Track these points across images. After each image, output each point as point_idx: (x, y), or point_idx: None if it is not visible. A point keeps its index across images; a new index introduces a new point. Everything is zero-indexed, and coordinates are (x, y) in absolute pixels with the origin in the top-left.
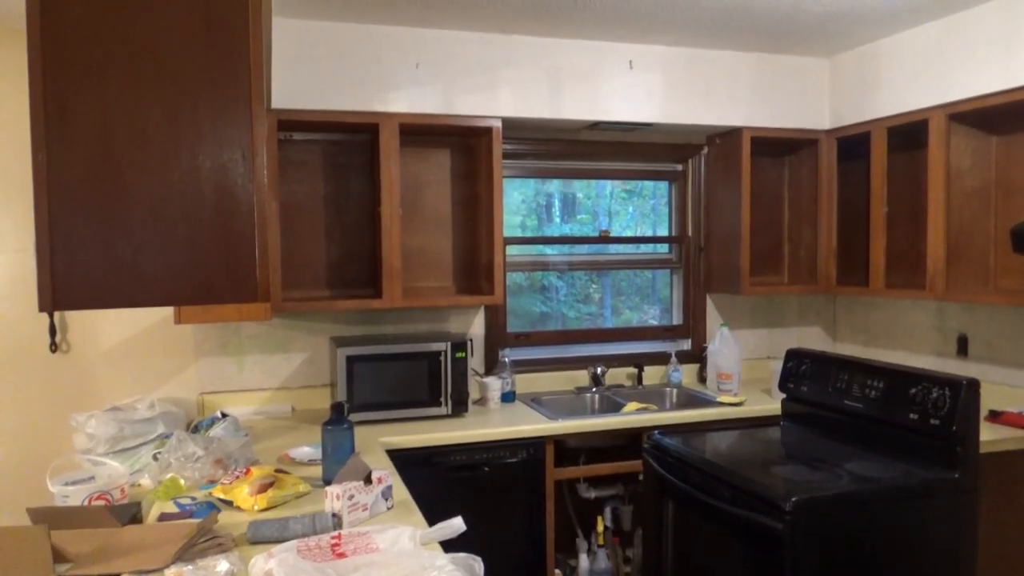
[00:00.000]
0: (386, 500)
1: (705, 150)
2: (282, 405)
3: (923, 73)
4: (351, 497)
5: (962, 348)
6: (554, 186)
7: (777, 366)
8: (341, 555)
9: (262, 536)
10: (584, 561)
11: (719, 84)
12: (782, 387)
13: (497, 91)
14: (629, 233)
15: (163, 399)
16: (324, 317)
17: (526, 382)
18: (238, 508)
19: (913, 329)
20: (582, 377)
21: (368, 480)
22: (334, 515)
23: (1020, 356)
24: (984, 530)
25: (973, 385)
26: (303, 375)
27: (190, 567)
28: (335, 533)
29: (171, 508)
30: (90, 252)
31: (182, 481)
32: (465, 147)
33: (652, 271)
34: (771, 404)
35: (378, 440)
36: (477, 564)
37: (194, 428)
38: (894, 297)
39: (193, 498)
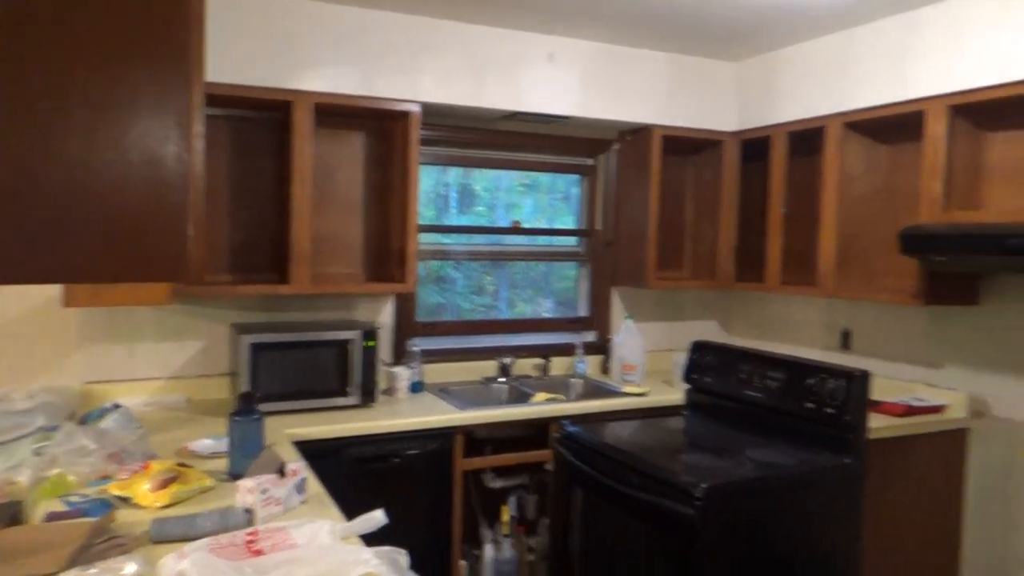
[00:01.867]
0: (300, 494)
1: (616, 146)
2: (176, 395)
3: (823, 82)
4: (264, 491)
5: (845, 342)
6: (452, 177)
7: (679, 358)
8: (258, 552)
9: (167, 535)
10: (489, 551)
11: (634, 81)
12: (687, 378)
13: (418, 75)
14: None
15: (42, 388)
16: (223, 303)
17: (434, 372)
18: (137, 505)
19: (802, 324)
20: (489, 367)
21: (282, 473)
22: (246, 510)
23: (897, 350)
24: (865, 511)
25: (865, 376)
26: (200, 364)
27: (94, 570)
28: (250, 530)
29: (59, 507)
30: None
31: (71, 477)
32: (380, 131)
33: (547, 264)
34: (672, 394)
35: (284, 431)
36: (402, 557)
37: (82, 420)
38: (788, 294)
39: (84, 495)
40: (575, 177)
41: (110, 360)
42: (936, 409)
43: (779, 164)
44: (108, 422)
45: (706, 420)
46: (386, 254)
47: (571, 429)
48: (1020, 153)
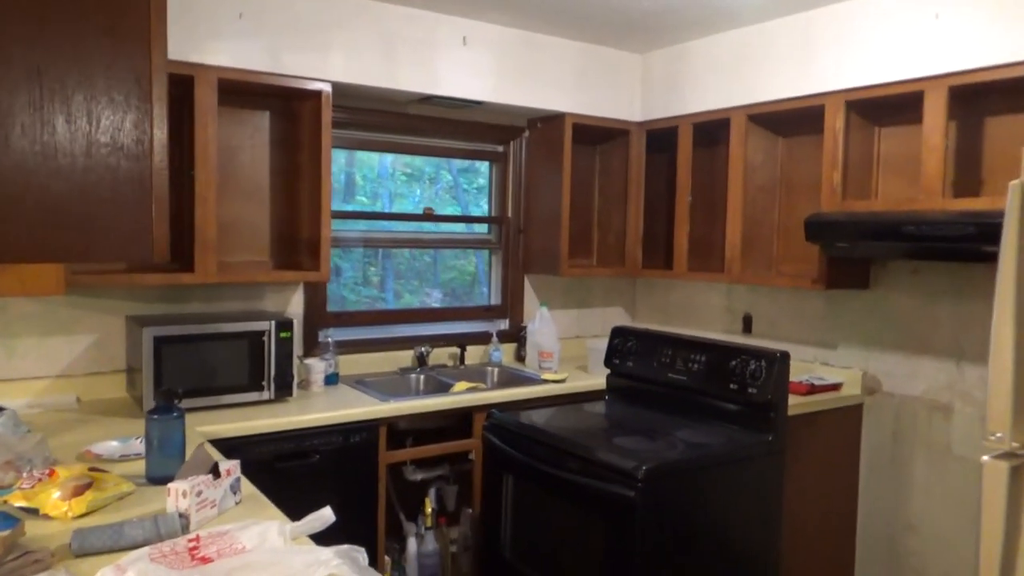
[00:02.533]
0: (235, 494)
1: (526, 133)
2: (65, 395)
3: (728, 76)
4: (199, 493)
5: (747, 326)
6: (336, 165)
7: (593, 343)
8: (205, 560)
9: (92, 547)
10: (412, 544)
11: (547, 69)
12: (608, 363)
13: (328, 53)
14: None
15: None
16: (117, 294)
17: (348, 364)
18: (47, 516)
19: (705, 309)
20: (403, 358)
21: (216, 473)
22: (181, 515)
23: (795, 332)
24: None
25: (785, 357)
26: (91, 360)
27: None
28: (191, 535)
29: None
30: None
31: None
32: (287, 111)
33: (432, 254)
34: (590, 380)
35: (195, 429)
36: (361, 555)
37: None
38: (695, 280)
39: None
40: (462, 167)
41: None
42: (834, 387)
43: (685, 154)
44: None
45: (629, 404)
46: (294, 241)
47: (501, 417)
48: (905, 148)
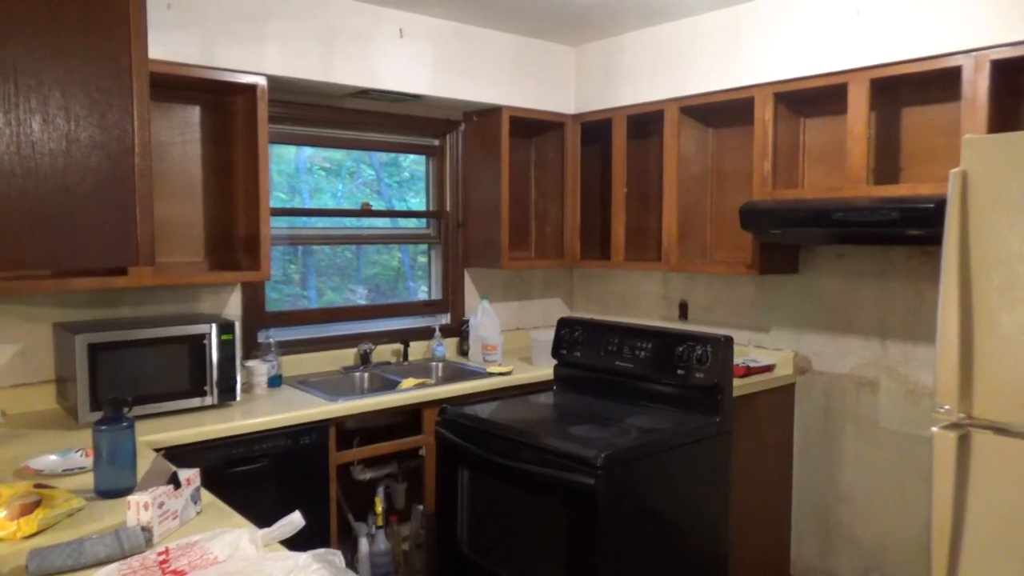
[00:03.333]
0: (195, 504)
1: (462, 126)
2: None
3: (660, 68)
4: (161, 505)
5: (683, 312)
6: None
7: (538, 335)
8: (177, 573)
9: (52, 567)
10: (364, 545)
11: (483, 62)
12: (555, 353)
13: (263, 46)
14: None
15: None
16: (41, 301)
17: (289, 364)
18: None
19: (642, 297)
20: (346, 356)
21: (176, 483)
22: (144, 528)
23: (730, 317)
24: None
25: (729, 342)
26: (15, 371)
27: None
28: (159, 548)
29: None
30: None
31: None
32: (218, 105)
33: (354, 250)
34: (536, 371)
35: (139, 439)
36: (337, 558)
37: None
38: (633, 269)
39: None
40: (384, 161)
41: None
42: (768, 368)
43: (620, 146)
44: None
45: (578, 393)
46: (231, 240)
47: (455, 411)
48: (828, 137)
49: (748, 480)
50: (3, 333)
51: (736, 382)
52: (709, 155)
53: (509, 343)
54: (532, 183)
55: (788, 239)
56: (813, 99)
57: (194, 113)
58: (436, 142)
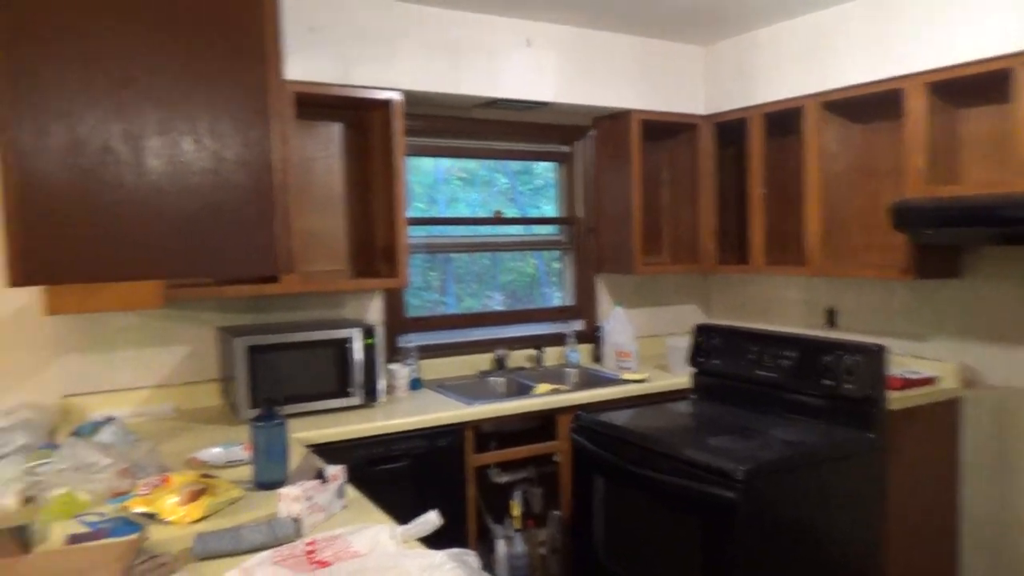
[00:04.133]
0: (340, 499)
1: (592, 132)
2: (164, 405)
3: (799, 63)
4: (310, 498)
5: (831, 320)
6: None
7: (674, 342)
8: (322, 563)
9: (213, 550)
10: (501, 547)
11: (610, 66)
12: (692, 361)
13: (395, 62)
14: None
15: (18, 406)
16: (207, 306)
17: (428, 368)
18: (164, 521)
19: (784, 304)
20: (483, 361)
21: (323, 478)
22: (294, 520)
23: (882, 325)
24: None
25: (881, 351)
26: (186, 370)
27: None
28: (308, 540)
29: (78, 528)
30: (71, 225)
31: (82, 496)
32: (357, 121)
33: (491, 257)
34: (672, 379)
35: (291, 436)
36: (472, 559)
37: (73, 435)
38: (773, 274)
39: (102, 514)
40: (517, 169)
41: (88, 371)
42: (929, 381)
43: (757, 145)
44: (105, 436)
45: (717, 403)
46: (370, 249)
47: (590, 418)
48: (990, 128)
49: (907, 499)
50: (176, 336)
51: (894, 394)
52: (854, 151)
53: (643, 350)
54: (664, 187)
55: (945, 239)
56: (972, 88)
57: (336, 130)
58: (565, 148)
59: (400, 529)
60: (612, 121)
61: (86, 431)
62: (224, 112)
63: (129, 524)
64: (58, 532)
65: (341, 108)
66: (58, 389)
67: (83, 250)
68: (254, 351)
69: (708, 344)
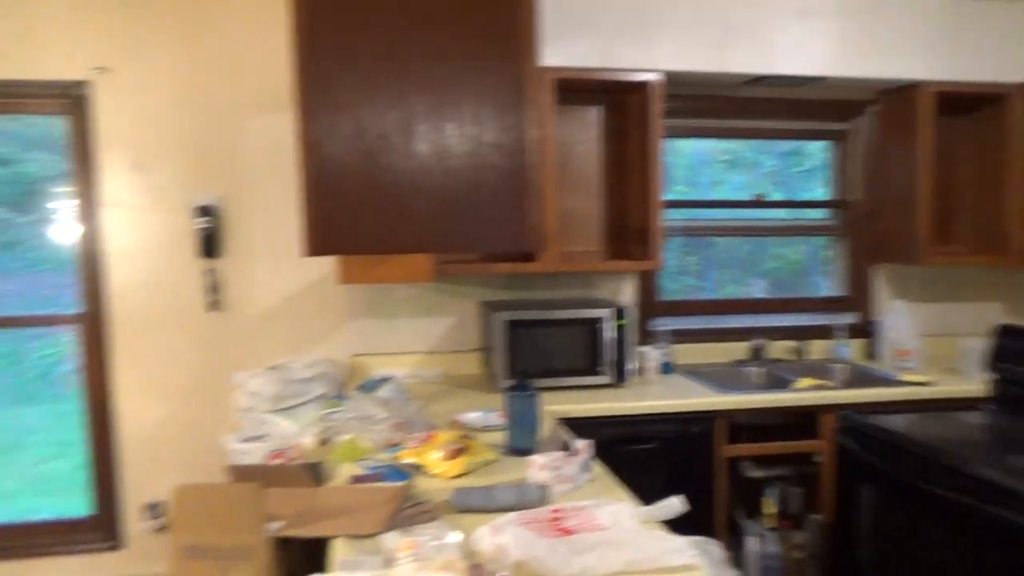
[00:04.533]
0: (586, 472)
1: (872, 107)
2: (433, 369)
3: None
4: (556, 468)
5: None
6: None
7: (970, 343)
8: (567, 531)
9: (468, 505)
10: (752, 544)
11: (897, 32)
12: (991, 367)
13: (657, 43)
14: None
15: (318, 360)
16: (471, 281)
17: (680, 353)
18: (428, 474)
19: None
20: (738, 350)
21: (571, 450)
22: (540, 487)
23: None
24: None
25: None
26: (452, 340)
27: (426, 537)
28: (554, 507)
29: (358, 471)
30: (354, 203)
31: (363, 443)
32: (615, 104)
33: (755, 242)
34: (960, 384)
35: (542, 407)
36: (716, 549)
37: (359, 390)
38: None
39: (379, 461)
40: (786, 150)
41: (373, 334)
42: None
43: None
44: (384, 392)
45: (1018, 416)
46: (625, 231)
47: (857, 419)
48: None
49: None
50: (444, 308)
51: None
52: None
53: (927, 350)
54: (961, 167)
55: None
56: None
57: (594, 113)
58: (841, 126)
59: (644, 509)
60: (898, 94)
61: (369, 387)
62: (485, 99)
63: (399, 472)
64: (344, 472)
65: (600, 92)
66: (348, 349)
67: (363, 225)
68: (512, 325)
69: (1012, 348)
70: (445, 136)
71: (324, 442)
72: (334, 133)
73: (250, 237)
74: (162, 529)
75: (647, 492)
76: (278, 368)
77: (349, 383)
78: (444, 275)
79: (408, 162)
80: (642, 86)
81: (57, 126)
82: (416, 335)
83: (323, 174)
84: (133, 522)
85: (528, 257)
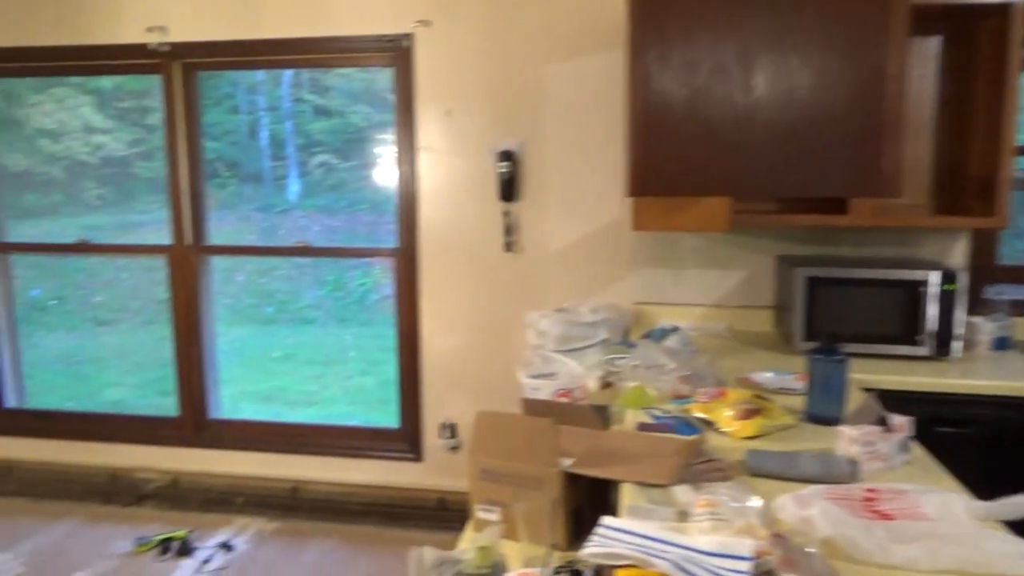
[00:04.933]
0: (903, 453)
1: None
2: (718, 323)
3: None
4: (869, 443)
5: None
6: None
7: None
8: (884, 515)
9: (765, 469)
10: None
11: None
12: None
13: None
14: None
15: (602, 305)
16: (768, 234)
17: (1018, 327)
18: (720, 431)
19: None
20: None
21: (886, 426)
22: (850, 461)
23: None
24: None
25: None
26: (741, 294)
27: (725, 497)
28: (868, 486)
29: (644, 418)
30: (682, 141)
31: (650, 391)
32: (960, 34)
33: None
34: None
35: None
36: None
37: (645, 338)
38: None
39: (666, 411)
40: None
41: (659, 283)
42: None
43: None
44: (671, 343)
45: None
46: (961, 181)
47: None
48: None
49: None
50: (733, 261)
51: None
52: None
53: None
54: None
55: None
56: None
57: (933, 44)
58: None
59: (981, 504)
60: None
61: (656, 336)
62: (839, 25)
63: (689, 425)
64: (630, 418)
65: (943, 19)
66: (632, 296)
67: (691, 164)
68: (814, 283)
69: None
70: (789, 68)
71: (607, 386)
72: (664, 67)
73: (546, 182)
74: (455, 448)
75: (966, 482)
76: (565, 310)
77: (632, 330)
78: (739, 226)
79: (746, 96)
80: (1001, 9)
81: (375, 81)
82: (702, 287)
83: (652, 110)
84: (431, 437)
85: (838, 208)
